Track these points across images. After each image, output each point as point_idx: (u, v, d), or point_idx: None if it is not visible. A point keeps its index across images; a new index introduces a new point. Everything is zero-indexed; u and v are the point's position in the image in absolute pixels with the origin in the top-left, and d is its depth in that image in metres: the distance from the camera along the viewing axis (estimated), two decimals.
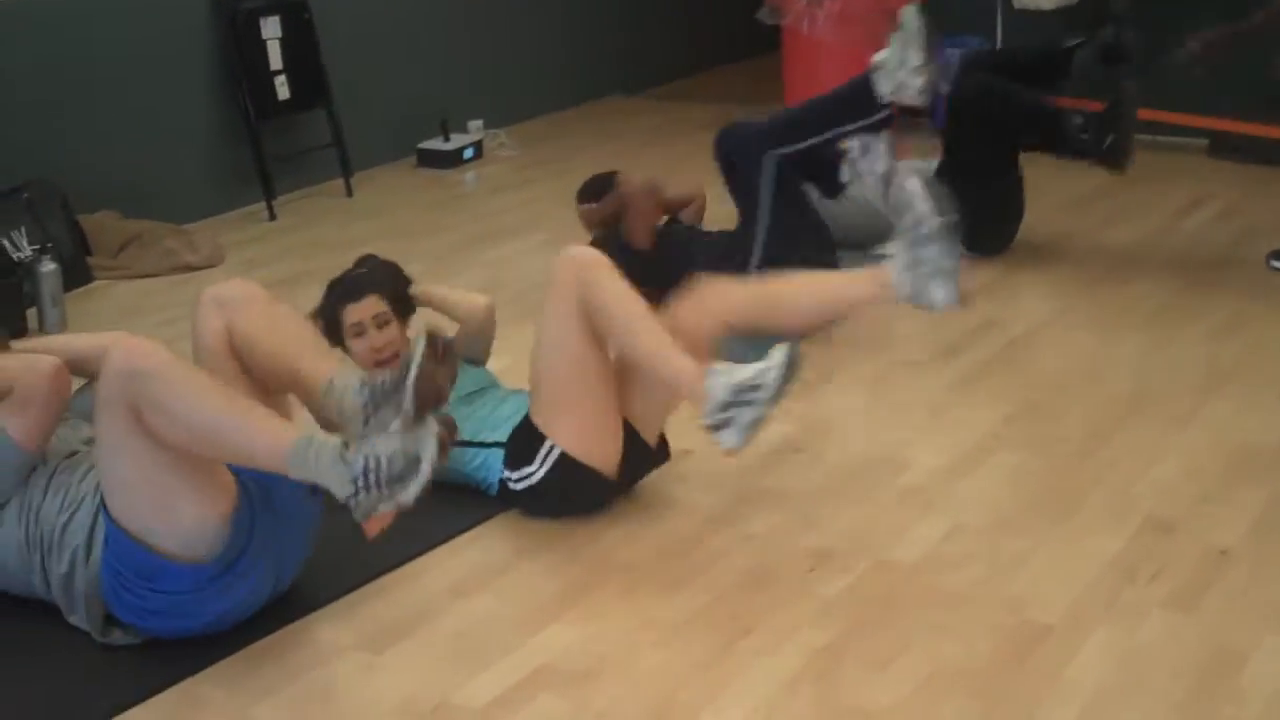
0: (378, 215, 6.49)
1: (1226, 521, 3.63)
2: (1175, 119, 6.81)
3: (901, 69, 4.75)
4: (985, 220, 5.52)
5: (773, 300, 3.65)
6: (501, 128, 7.62)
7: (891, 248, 3.53)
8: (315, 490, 2.97)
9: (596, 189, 5.24)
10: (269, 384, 3.37)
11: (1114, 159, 5.34)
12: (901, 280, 3.50)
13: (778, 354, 3.31)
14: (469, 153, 7.21)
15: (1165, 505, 3.72)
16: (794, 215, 4.85)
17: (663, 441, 3.79)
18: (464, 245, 5.95)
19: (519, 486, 3.64)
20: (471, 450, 3.68)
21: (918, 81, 4.70)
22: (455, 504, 3.71)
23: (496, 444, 3.69)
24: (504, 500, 3.72)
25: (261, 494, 3.12)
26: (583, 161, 6.94)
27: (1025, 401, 4.39)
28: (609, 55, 8.46)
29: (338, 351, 3.73)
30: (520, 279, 5.40)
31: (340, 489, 2.84)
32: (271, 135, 6.51)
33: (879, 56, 4.78)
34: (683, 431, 3.89)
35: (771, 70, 7.61)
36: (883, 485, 3.88)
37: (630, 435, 3.67)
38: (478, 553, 3.60)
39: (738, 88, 8.52)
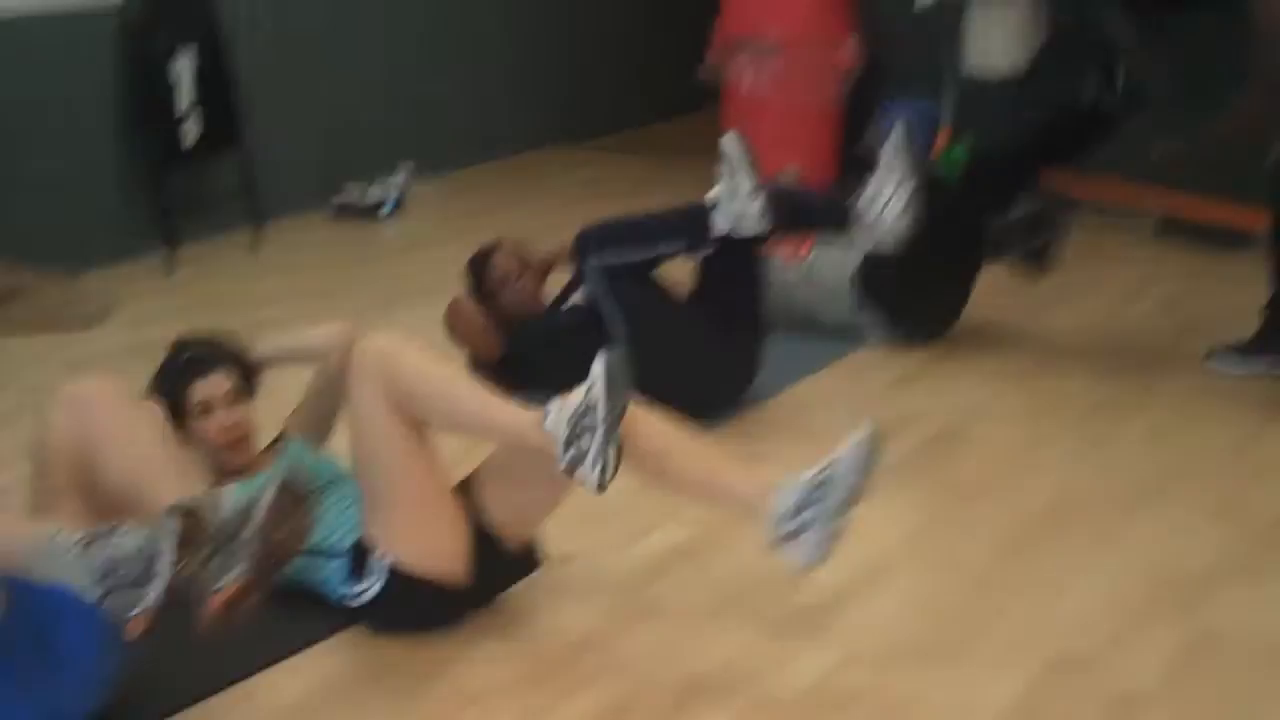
0: (286, 270, 6.17)
1: (1140, 662, 3.34)
2: (1122, 197, 6.59)
3: (735, 200, 4.50)
4: (916, 307, 5.28)
5: (671, 457, 3.29)
6: (432, 176, 7.33)
7: (787, 483, 3.16)
8: (114, 641, 2.67)
9: (475, 276, 5.02)
10: (108, 503, 3.08)
11: (1040, 262, 5.13)
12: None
13: (596, 367, 3.08)
14: (390, 204, 6.91)
15: (1076, 641, 3.42)
16: (652, 328, 4.55)
17: (529, 548, 3.48)
18: (373, 306, 5.63)
19: (357, 603, 3.33)
20: (317, 561, 3.36)
21: (755, 207, 4.46)
22: (306, 614, 3.39)
23: (340, 554, 3.36)
24: (352, 615, 3.39)
25: (29, 627, 2.78)
26: (511, 216, 6.68)
27: (939, 510, 4.10)
28: (552, 103, 8.19)
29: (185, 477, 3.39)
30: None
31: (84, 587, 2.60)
32: (178, 181, 6.19)
33: (712, 194, 4.53)
34: (565, 535, 3.59)
35: (715, 125, 7.32)
36: (772, 605, 3.57)
37: (484, 541, 3.35)
38: (319, 673, 3.28)
39: (681, 142, 8.26)
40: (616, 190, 7.15)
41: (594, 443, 3.03)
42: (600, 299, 4.58)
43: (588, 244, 4.63)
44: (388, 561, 3.24)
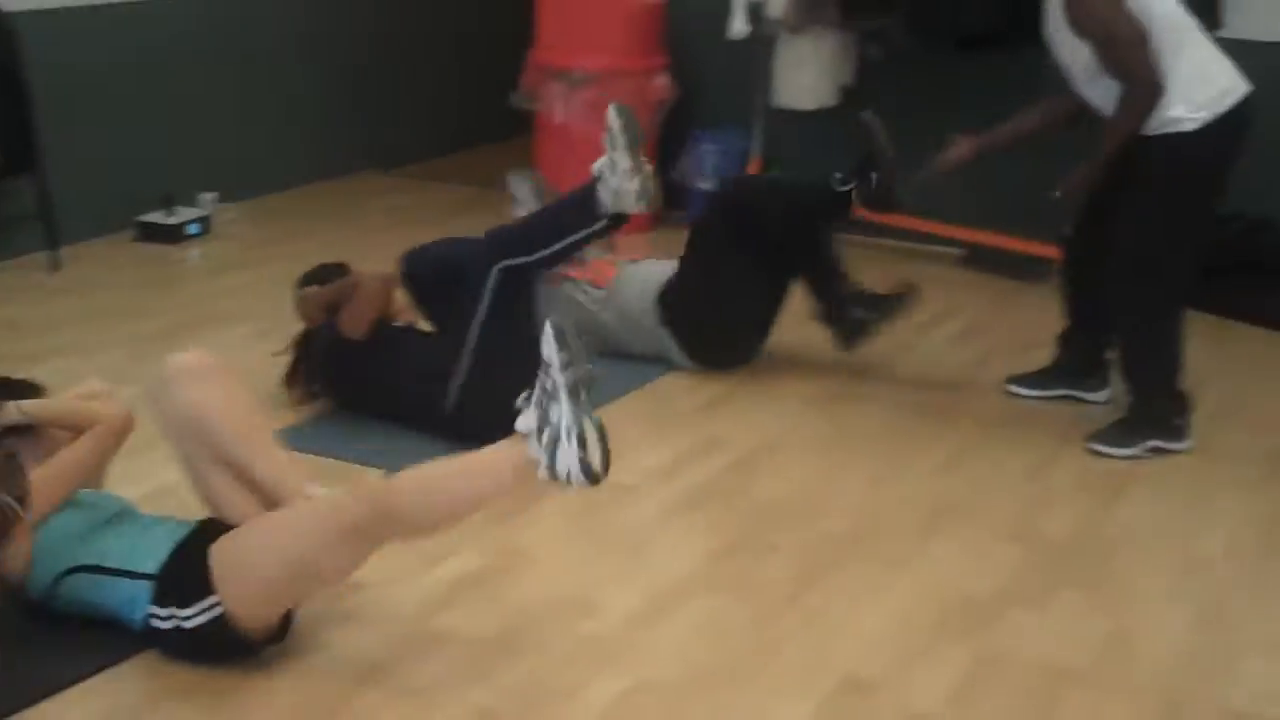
0: (82, 294, 6.00)
1: (927, 684, 3.37)
2: (931, 228, 6.69)
3: (614, 175, 4.49)
4: (719, 333, 5.30)
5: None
6: (237, 201, 7.20)
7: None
8: None
9: (324, 275, 4.91)
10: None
11: (852, 335, 5.17)
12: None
13: (547, 327, 3.16)
14: (194, 228, 6.77)
15: (866, 664, 3.44)
16: (505, 334, 4.52)
17: None
18: (168, 333, 5.49)
19: (165, 625, 3.24)
20: (120, 582, 3.27)
21: (632, 186, 4.45)
22: (92, 641, 3.30)
23: (146, 576, 3.28)
24: (146, 639, 3.30)
25: None
26: (315, 243, 6.58)
27: (737, 536, 4.10)
28: (361, 129, 8.09)
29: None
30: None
31: None
32: None
33: (596, 165, 4.51)
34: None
35: (526, 154, 7.32)
36: (564, 632, 3.54)
37: None
38: (101, 704, 3.17)
39: (491, 170, 8.18)
40: (423, 218, 7.08)
41: (563, 414, 3.05)
42: (478, 302, 4.53)
43: (472, 256, 4.60)
44: (221, 610, 3.17)
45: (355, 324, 4.70)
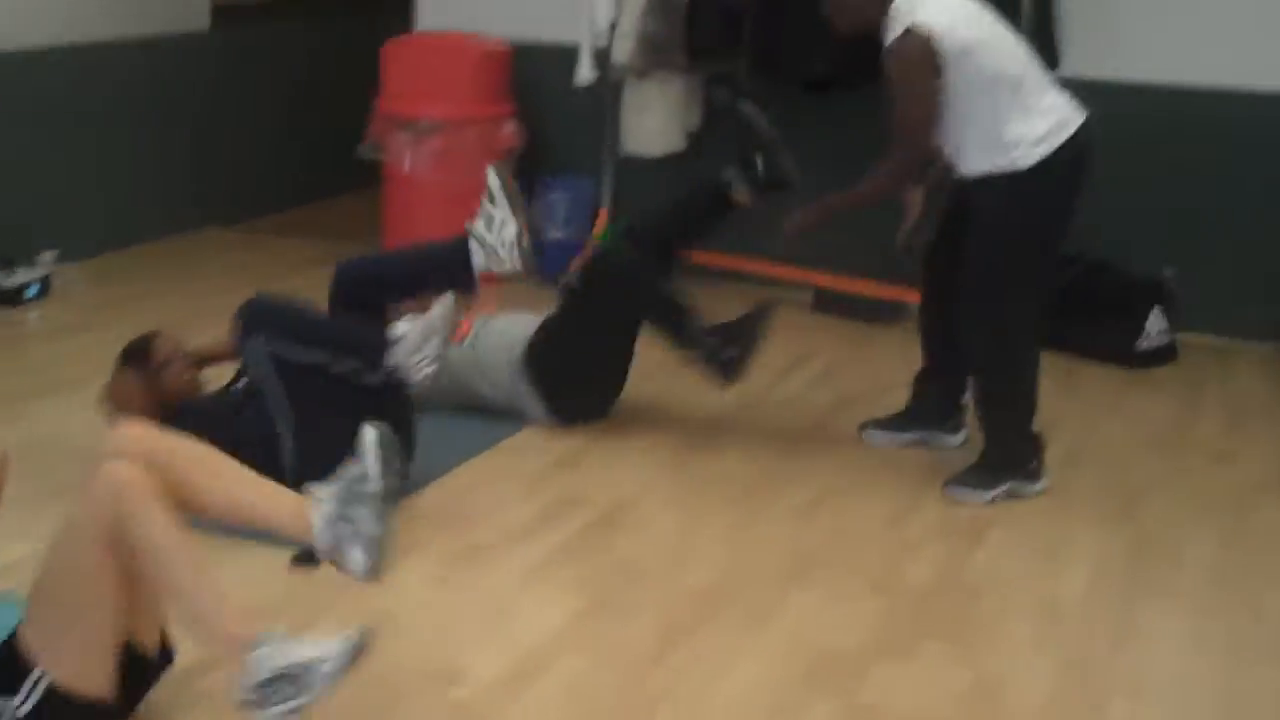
0: None
1: None
2: (778, 272, 6.71)
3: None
4: (583, 389, 5.25)
5: (201, 477, 3.18)
6: (78, 261, 7.01)
7: (324, 492, 3.13)
8: None
9: (136, 356, 4.74)
10: None
11: (727, 372, 5.10)
12: (324, 531, 3.09)
13: (340, 644, 2.99)
14: (33, 290, 6.57)
15: None
16: (316, 406, 4.44)
17: (164, 646, 3.30)
18: (5, 402, 5.32)
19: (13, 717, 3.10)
20: None
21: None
22: None
23: None
24: None
25: None
26: (162, 303, 6.44)
27: (601, 594, 4.04)
28: (205, 184, 7.93)
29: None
30: (55, 448, 4.79)
31: None
32: None
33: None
34: None
35: (375, 205, 7.23)
36: (429, 703, 3.46)
37: (130, 653, 3.17)
38: None
39: (340, 223, 8.12)
40: (270, 275, 6.94)
41: (288, 708, 2.93)
42: (261, 371, 4.41)
43: (264, 315, 4.45)
44: (47, 680, 3.04)
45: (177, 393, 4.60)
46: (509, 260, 4.54)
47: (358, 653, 3.02)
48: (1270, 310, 6.42)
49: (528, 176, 7.06)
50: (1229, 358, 6.32)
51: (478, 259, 4.55)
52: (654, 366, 5.40)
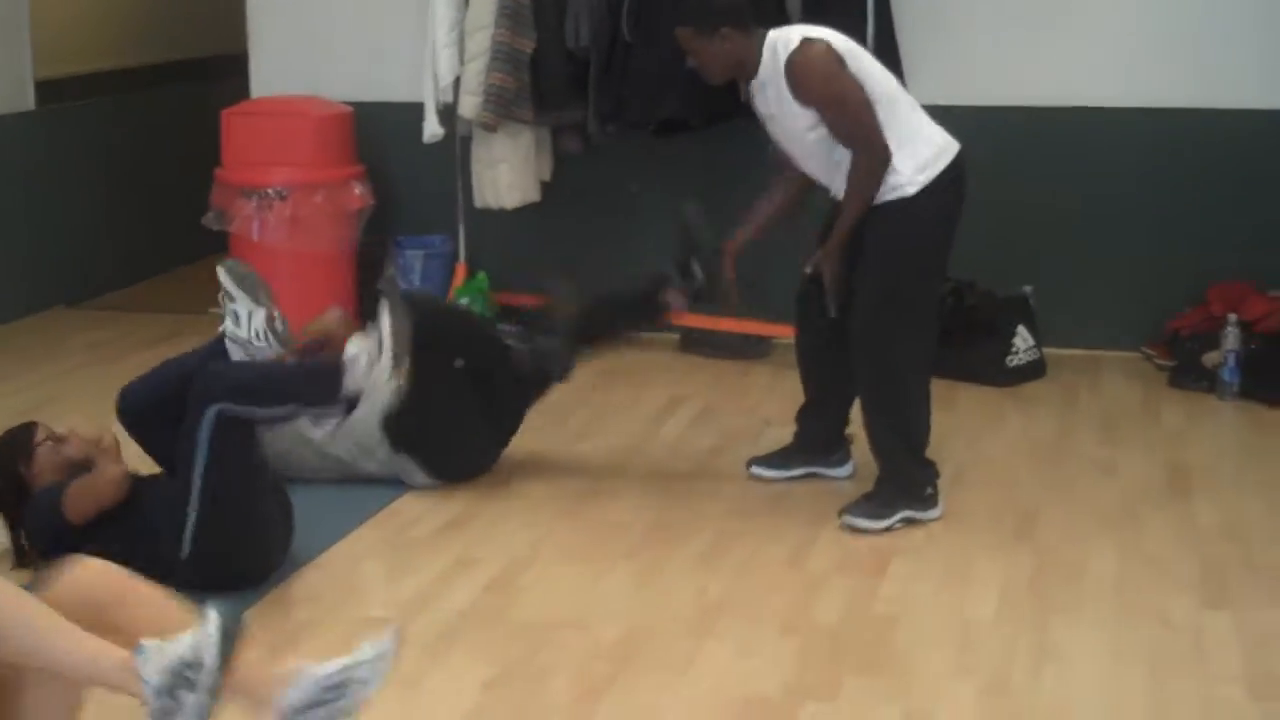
0: None
1: None
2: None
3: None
4: (456, 445, 5.13)
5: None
6: None
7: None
8: None
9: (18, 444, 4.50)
10: None
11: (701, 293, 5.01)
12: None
13: (209, 623, 2.82)
14: None
15: None
16: (233, 476, 4.28)
17: None
18: None
19: None
20: None
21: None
22: None
23: None
24: None
25: None
26: (11, 388, 6.19)
27: (509, 661, 3.92)
28: (47, 264, 7.66)
29: None
30: None
31: None
32: None
33: (351, 349, 4.37)
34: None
35: None
36: None
37: None
38: None
39: (190, 293, 7.87)
40: (127, 351, 6.73)
41: (193, 700, 2.77)
42: (195, 447, 4.23)
43: (219, 390, 4.27)
44: None
45: (76, 510, 4.35)
46: (269, 347, 4.40)
47: (229, 634, 2.83)
48: (1129, 318, 6.49)
49: (382, 236, 6.95)
50: (1096, 368, 6.38)
51: (237, 357, 4.39)
52: (531, 416, 5.28)
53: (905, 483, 4.70)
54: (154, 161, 8.27)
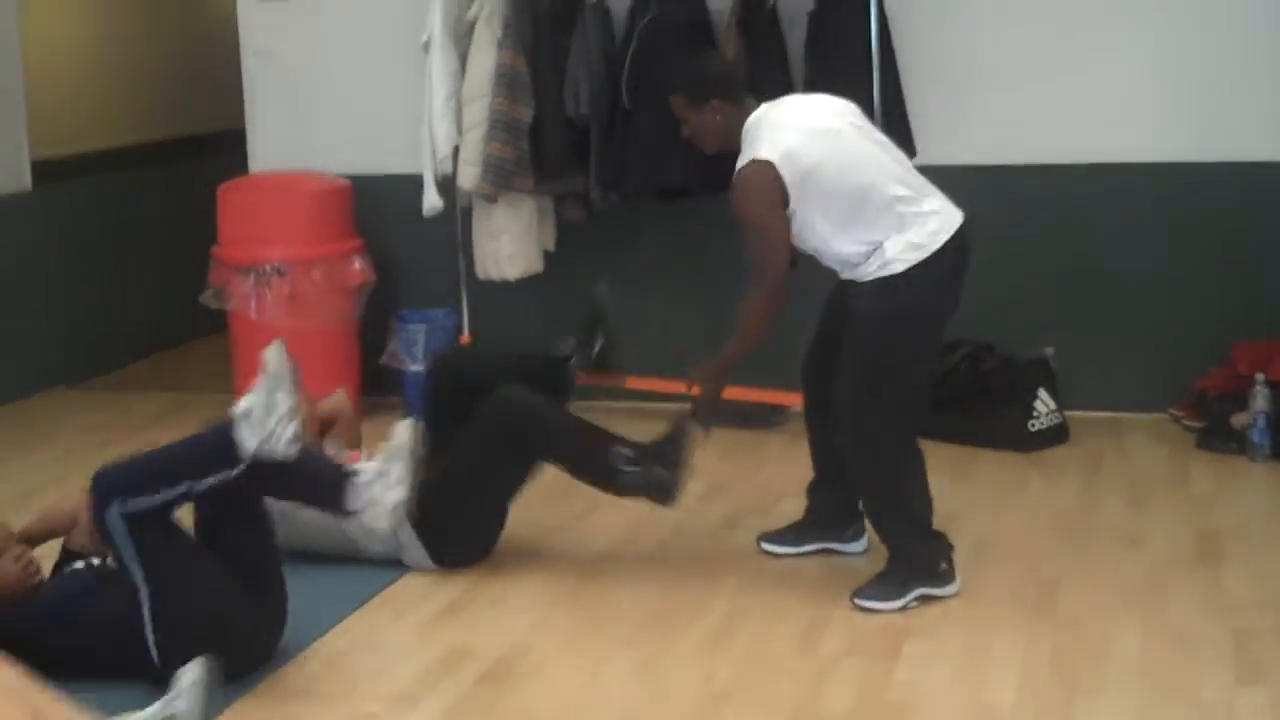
0: None
1: None
2: (652, 385, 6.47)
3: (270, 417, 4.08)
4: (470, 533, 4.96)
5: None
6: None
7: None
8: None
9: None
10: None
11: (663, 493, 4.81)
12: None
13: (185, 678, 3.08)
14: None
15: None
16: (178, 576, 4.08)
17: None
18: None
19: None
20: None
21: (288, 431, 4.04)
22: None
23: None
24: None
25: None
26: (5, 473, 6.05)
27: None
28: (45, 345, 7.53)
29: None
30: None
31: None
32: None
33: (242, 404, 4.05)
34: None
35: (225, 351, 6.87)
36: None
37: None
38: None
39: (189, 372, 7.76)
40: (123, 431, 6.59)
41: None
42: (121, 550, 4.04)
43: (105, 490, 4.05)
44: None
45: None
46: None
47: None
48: (1154, 379, 6.28)
49: (382, 311, 6.80)
50: (1120, 431, 6.16)
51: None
52: (528, 498, 5.09)
53: (916, 561, 4.49)
54: (153, 239, 8.15)
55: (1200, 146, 6.17)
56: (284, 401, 4.02)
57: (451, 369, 5.31)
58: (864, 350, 4.44)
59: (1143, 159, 6.22)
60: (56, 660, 4.05)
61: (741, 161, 4.44)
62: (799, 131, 4.44)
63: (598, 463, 4.83)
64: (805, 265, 4.61)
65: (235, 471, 4.04)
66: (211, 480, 4.05)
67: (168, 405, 7.11)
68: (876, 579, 4.50)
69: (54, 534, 4.48)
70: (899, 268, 4.38)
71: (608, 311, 5.07)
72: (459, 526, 4.93)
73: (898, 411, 4.49)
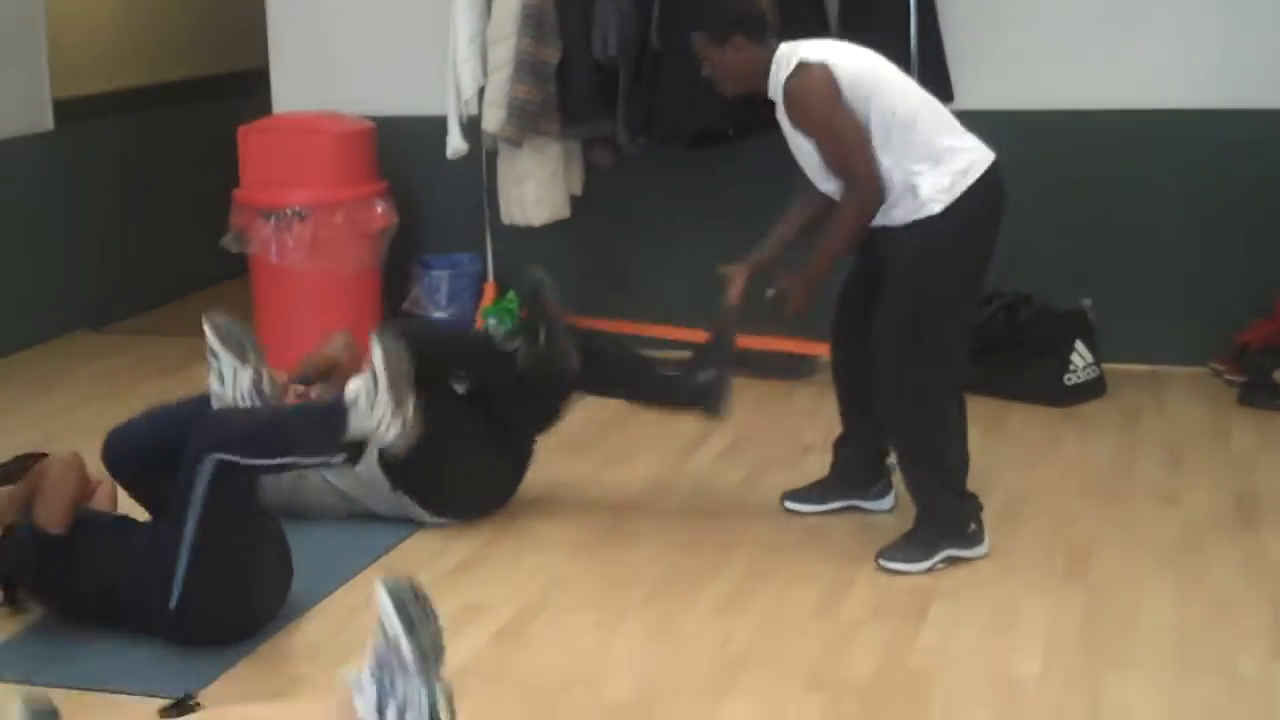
0: None
1: None
2: (681, 335, 6.33)
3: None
4: (459, 484, 4.83)
5: None
6: None
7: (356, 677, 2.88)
8: None
9: (12, 471, 4.36)
10: None
11: (710, 402, 4.71)
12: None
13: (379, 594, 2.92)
14: None
15: None
16: (225, 528, 3.97)
17: None
18: None
19: None
20: None
21: (395, 428, 3.91)
22: None
23: None
24: None
25: None
26: (22, 419, 5.96)
27: (515, 717, 3.61)
28: (67, 287, 7.42)
29: None
30: None
31: None
32: None
33: (351, 389, 3.94)
34: None
35: (248, 295, 6.75)
36: None
37: None
38: None
39: None
40: (140, 379, 6.50)
41: (411, 687, 2.83)
42: (190, 493, 3.93)
43: (213, 442, 3.94)
44: None
45: (51, 515, 4.10)
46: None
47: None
48: (1194, 331, 6.10)
49: (406, 256, 6.68)
50: (1159, 385, 5.99)
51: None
52: (550, 451, 4.97)
53: (946, 520, 4.35)
54: (175, 181, 8.02)
55: (1248, 93, 5.96)
56: (386, 399, 3.91)
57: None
58: (904, 295, 4.25)
59: (1188, 105, 6.01)
60: (82, 598, 4.00)
61: (783, 77, 4.23)
62: (838, 51, 4.28)
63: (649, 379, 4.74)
64: None
65: (338, 458, 4.00)
66: (314, 461, 4.08)
67: (188, 349, 7.00)
68: (903, 539, 4.36)
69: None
70: (935, 208, 4.19)
71: (549, 303, 4.74)
72: (453, 485, 4.78)
73: (940, 360, 4.31)
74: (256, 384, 4.10)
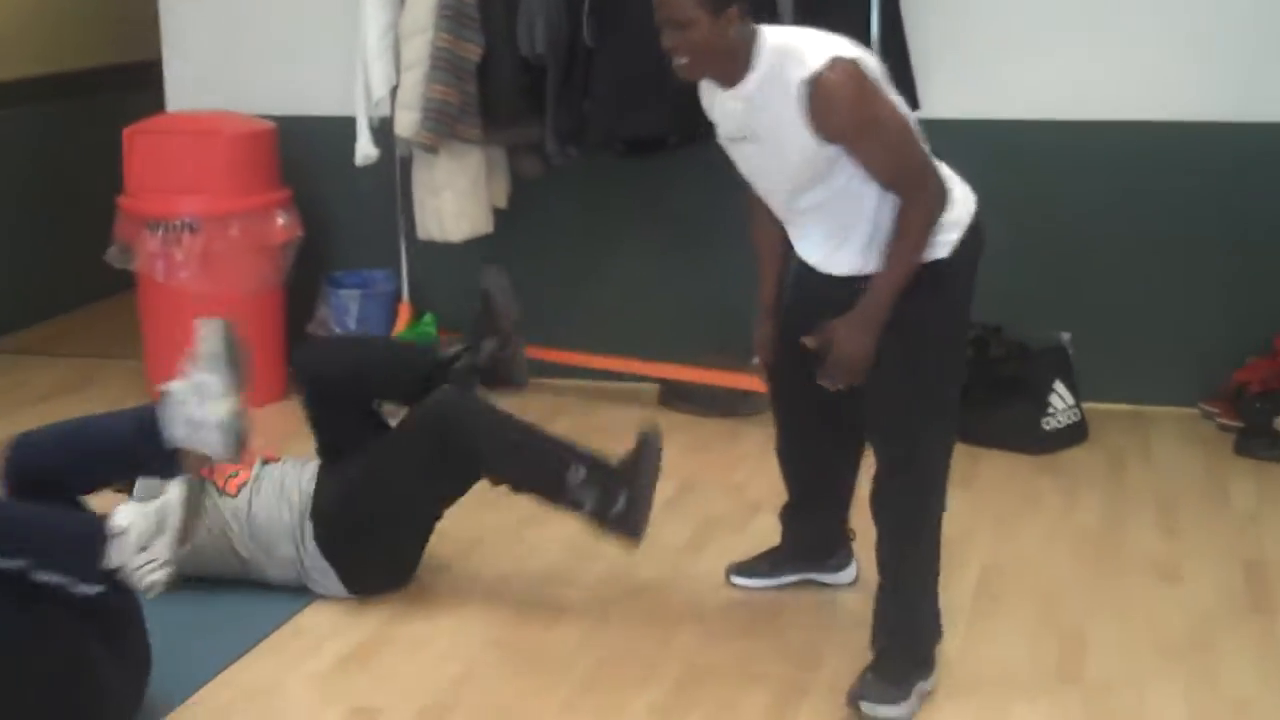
0: None
1: None
2: (619, 365, 5.75)
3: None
4: (392, 556, 4.23)
5: None
6: None
7: None
8: None
9: None
10: None
11: (621, 529, 3.98)
12: None
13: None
14: None
15: None
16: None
17: None
18: None
19: None
20: None
21: (159, 575, 3.28)
22: None
23: None
24: None
25: None
26: None
27: None
28: None
29: None
30: None
31: None
32: None
33: (122, 516, 3.29)
34: None
35: (135, 313, 6.08)
36: None
37: None
38: None
39: (95, 336, 6.98)
40: (26, 399, 5.85)
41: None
42: None
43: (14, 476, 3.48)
44: None
45: None
46: (221, 447, 3.49)
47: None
48: (1183, 369, 5.54)
49: (311, 272, 6.02)
50: (1145, 428, 5.42)
51: (174, 431, 3.45)
52: (464, 502, 4.33)
53: (920, 643, 3.61)
54: (64, 185, 7.31)
55: (1242, 106, 5.38)
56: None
57: (316, 380, 4.41)
58: (909, 356, 3.49)
59: (1178, 118, 5.43)
60: None
61: (795, 74, 3.41)
62: (852, 48, 3.47)
63: (549, 483, 4.04)
64: None
65: (93, 590, 3.29)
66: (59, 580, 3.29)
67: (68, 373, 6.36)
68: (874, 677, 3.54)
69: None
70: (942, 253, 3.47)
71: (502, 303, 4.23)
72: (378, 549, 4.17)
73: (944, 429, 3.63)
74: (237, 418, 3.50)
